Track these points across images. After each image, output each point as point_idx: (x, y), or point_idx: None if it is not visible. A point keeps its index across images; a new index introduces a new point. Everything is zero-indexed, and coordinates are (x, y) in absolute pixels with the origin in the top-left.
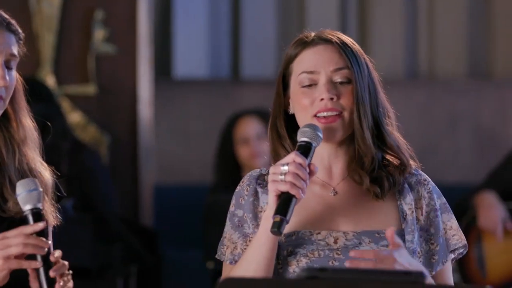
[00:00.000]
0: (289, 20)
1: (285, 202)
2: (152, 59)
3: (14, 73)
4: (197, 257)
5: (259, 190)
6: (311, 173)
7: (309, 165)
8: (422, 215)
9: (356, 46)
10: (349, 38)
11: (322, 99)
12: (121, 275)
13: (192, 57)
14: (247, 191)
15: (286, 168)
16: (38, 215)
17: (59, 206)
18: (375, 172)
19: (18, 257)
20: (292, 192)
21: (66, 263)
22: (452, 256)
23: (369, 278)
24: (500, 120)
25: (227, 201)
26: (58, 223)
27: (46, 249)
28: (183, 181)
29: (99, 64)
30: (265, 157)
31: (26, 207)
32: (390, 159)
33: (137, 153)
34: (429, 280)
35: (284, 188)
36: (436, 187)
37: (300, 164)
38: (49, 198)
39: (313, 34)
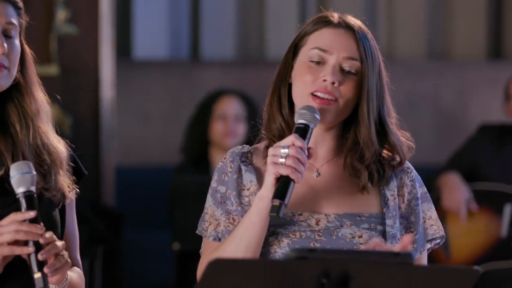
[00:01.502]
0: (248, 0)
1: (284, 186)
2: (114, 40)
3: (17, 42)
4: (157, 238)
5: (243, 167)
6: (309, 156)
7: (308, 148)
8: (403, 202)
9: (374, 42)
10: (369, 32)
11: (324, 80)
12: (87, 256)
13: (152, 38)
14: (230, 167)
15: (286, 150)
16: (30, 198)
17: (75, 178)
18: (369, 166)
19: (11, 244)
20: (293, 177)
21: (60, 243)
22: (429, 245)
23: (358, 258)
24: (459, 101)
25: (194, 182)
26: (76, 196)
27: (40, 234)
28: (144, 162)
29: (61, 45)
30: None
31: (19, 190)
32: (385, 154)
33: (99, 134)
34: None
35: (285, 172)
36: (419, 176)
37: (300, 148)
38: (64, 171)
39: (337, 15)
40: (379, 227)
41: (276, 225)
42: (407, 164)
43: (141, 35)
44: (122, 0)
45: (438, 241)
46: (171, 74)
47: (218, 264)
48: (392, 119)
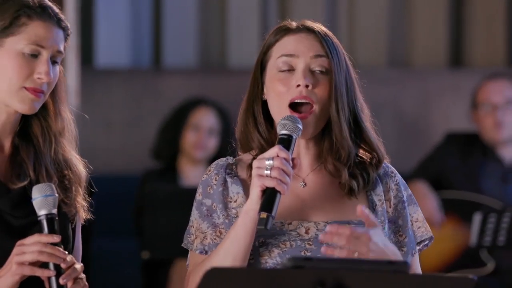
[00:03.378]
0: (210, 9)
1: (271, 198)
2: (79, 48)
3: (58, 67)
4: (121, 246)
5: (229, 179)
6: (293, 167)
7: (292, 159)
8: (390, 207)
9: (337, 41)
10: (330, 32)
11: (298, 86)
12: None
13: (113, 46)
14: (215, 180)
15: (271, 162)
16: (52, 221)
17: (92, 201)
18: (350, 169)
19: (32, 264)
20: (278, 188)
21: (79, 266)
22: (418, 248)
23: (354, 267)
24: (421, 109)
25: (164, 190)
26: (89, 218)
27: (63, 258)
28: (106, 171)
29: None
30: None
31: (41, 212)
32: (364, 156)
33: None
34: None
35: (271, 184)
36: (403, 179)
37: (285, 159)
38: (83, 190)
39: (294, 22)
40: None
41: (266, 236)
42: (391, 168)
43: (103, 43)
44: (83, 8)
45: (427, 242)
46: (133, 83)
47: (214, 273)
48: (366, 116)
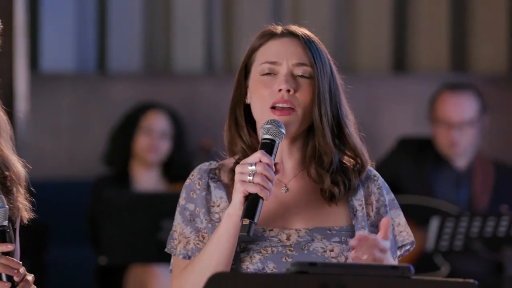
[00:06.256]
0: (154, 14)
1: (253, 204)
2: (28, 53)
3: None
4: (71, 253)
5: (212, 184)
6: (276, 172)
7: (275, 164)
8: (372, 211)
9: (322, 46)
10: (316, 37)
11: (280, 90)
12: None
13: (59, 51)
14: (198, 185)
15: (254, 168)
16: (3, 233)
17: (33, 200)
18: (332, 175)
19: None
20: (261, 194)
21: (30, 278)
22: (399, 252)
23: (357, 272)
24: (367, 114)
25: (119, 196)
26: (32, 217)
27: (16, 269)
28: (52, 176)
29: None
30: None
31: None
32: (348, 162)
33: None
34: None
35: (254, 190)
36: (385, 183)
37: (268, 164)
38: (23, 190)
39: (280, 27)
40: (350, 240)
41: (248, 241)
42: (373, 171)
43: (48, 47)
44: (29, 12)
45: (408, 247)
46: (79, 87)
47: (217, 278)
48: (351, 121)
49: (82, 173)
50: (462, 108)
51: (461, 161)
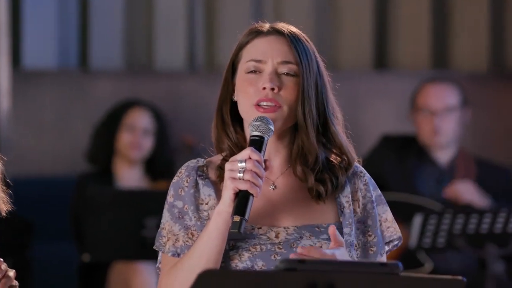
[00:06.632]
0: (136, 11)
1: (243, 201)
2: (10, 50)
3: None
4: (54, 249)
5: (200, 181)
6: (265, 169)
7: (264, 161)
8: (359, 207)
9: (309, 44)
10: (303, 34)
11: (264, 88)
12: None
13: (41, 48)
14: (187, 182)
15: (243, 165)
16: None
17: (10, 192)
18: (319, 174)
19: None
20: (251, 191)
21: (12, 273)
22: (387, 248)
23: (346, 270)
24: (349, 111)
25: (103, 193)
26: (10, 209)
27: None
28: (35, 173)
29: None
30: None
31: None
32: (335, 160)
33: None
34: None
35: (244, 187)
36: (372, 179)
37: (257, 161)
38: (0, 184)
39: (267, 25)
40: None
41: (236, 239)
42: (360, 168)
43: (30, 45)
44: (11, 9)
45: (396, 242)
46: (61, 84)
47: (207, 276)
48: (338, 120)
49: (65, 170)
50: (444, 95)
51: (443, 157)
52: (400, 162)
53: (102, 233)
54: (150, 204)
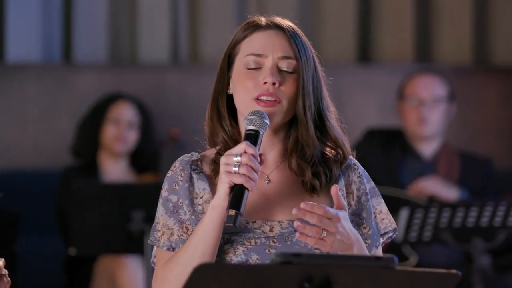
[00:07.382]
0: (120, 3)
1: (239, 195)
2: None
3: None
4: (40, 243)
5: (194, 176)
6: (261, 163)
7: (259, 155)
8: (353, 199)
9: (305, 39)
10: (299, 30)
11: (265, 83)
12: None
13: (24, 41)
14: (181, 176)
15: (239, 159)
16: None
17: None
18: (314, 167)
19: None
20: (247, 185)
21: (1, 262)
22: (382, 240)
23: (341, 263)
24: (334, 103)
25: (89, 186)
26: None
27: None
28: (19, 166)
29: None
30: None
31: None
32: (329, 153)
33: None
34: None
35: (239, 181)
36: (365, 172)
37: (253, 155)
38: None
39: (264, 18)
40: None
41: (231, 233)
42: (353, 160)
43: (14, 38)
44: None
45: (391, 234)
46: (45, 78)
47: (202, 269)
48: (332, 114)
49: (48, 164)
50: (432, 86)
51: (427, 149)
52: (385, 155)
53: (88, 227)
54: (136, 197)
